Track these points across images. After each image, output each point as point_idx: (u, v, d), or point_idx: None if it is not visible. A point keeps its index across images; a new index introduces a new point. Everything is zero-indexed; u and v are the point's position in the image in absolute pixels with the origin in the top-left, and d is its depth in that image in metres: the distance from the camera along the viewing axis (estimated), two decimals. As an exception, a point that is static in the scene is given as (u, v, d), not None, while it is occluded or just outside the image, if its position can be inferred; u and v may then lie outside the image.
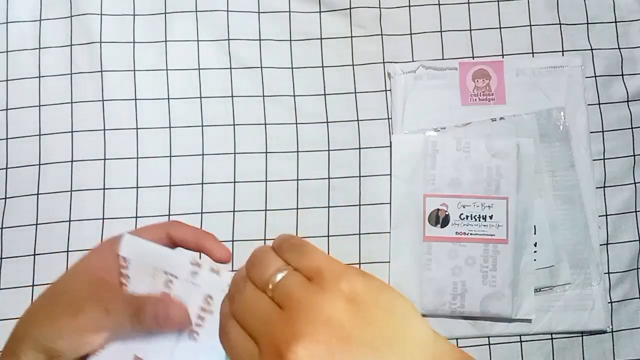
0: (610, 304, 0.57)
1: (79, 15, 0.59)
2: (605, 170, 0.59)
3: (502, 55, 0.60)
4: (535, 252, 0.56)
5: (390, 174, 0.58)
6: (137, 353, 0.33)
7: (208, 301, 0.32)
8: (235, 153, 0.58)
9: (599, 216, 0.58)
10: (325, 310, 0.24)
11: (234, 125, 0.58)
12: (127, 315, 0.33)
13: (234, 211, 0.57)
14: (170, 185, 0.57)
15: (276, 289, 0.26)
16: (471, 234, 0.55)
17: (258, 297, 0.26)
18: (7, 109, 0.58)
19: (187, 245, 0.36)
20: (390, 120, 0.59)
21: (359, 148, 0.58)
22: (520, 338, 0.56)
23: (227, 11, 0.60)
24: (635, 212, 0.59)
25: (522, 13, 0.61)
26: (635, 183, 0.59)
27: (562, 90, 0.59)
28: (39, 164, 0.57)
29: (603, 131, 0.59)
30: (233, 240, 0.56)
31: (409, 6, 0.61)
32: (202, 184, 0.57)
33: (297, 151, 0.58)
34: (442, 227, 0.55)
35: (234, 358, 0.26)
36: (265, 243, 0.56)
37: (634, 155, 0.59)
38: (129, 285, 0.34)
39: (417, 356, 0.25)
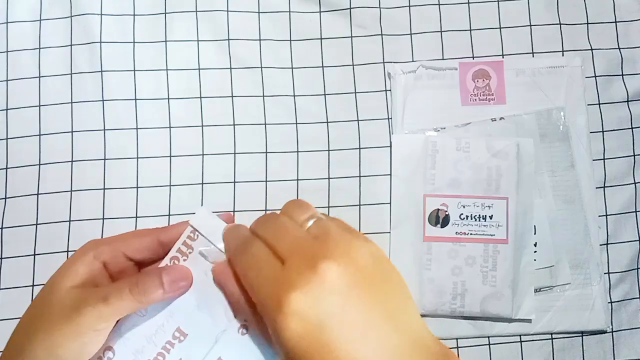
0: (610, 304, 0.57)
1: (79, 15, 0.59)
2: (605, 170, 0.59)
3: (502, 55, 0.60)
4: (535, 252, 0.56)
5: (390, 174, 0.58)
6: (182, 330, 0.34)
7: None
8: (235, 153, 0.58)
9: (599, 216, 0.58)
10: (355, 250, 0.27)
11: (234, 125, 0.58)
12: (127, 292, 0.32)
13: (234, 211, 0.57)
14: (170, 185, 0.57)
15: (316, 223, 0.28)
16: (471, 234, 0.55)
17: (293, 225, 0.28)
18: (7, 109, 0.58)
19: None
20: (390, 120, 0.59)
21: (359, 148, 0.58)
22: (520, 338, 0.56)
23: (227, 11, 0.60)
24: (635, 212, 0.59)
25: (522, 13, 0.61)
26: (635, 183, 0.59)
27: (562, 90, 0.59)
28: (39, 164, 0.57)
29: (603, 131, 0.59)
30: (233, 240, 0.56)
31: (409, 6, 0.61)
32: (202, 184, 0.57)
33: (297, 151, 0.58)
34: (442, 227, 0.55)
35: (254, 271, 0.28)
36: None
37: (634, 155, 0.59)
38: (189, 258, 0.34)
39: (412, 329, 0.27)
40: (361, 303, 0.25)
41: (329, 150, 0.58)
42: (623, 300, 0.58)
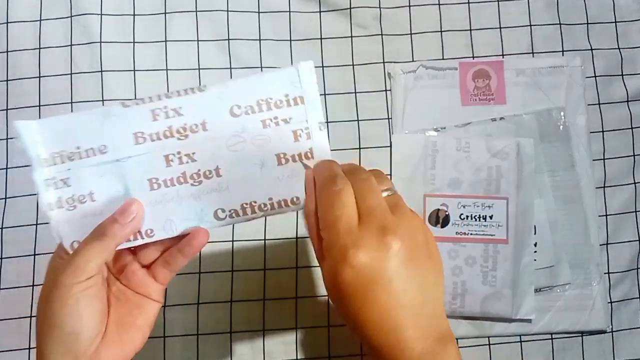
0: (610, 304, 0.57)
1: (78, 15, 0.59)
2: (605, 170, 0.59)
3: (502, 55, 0.60)
4: (535, 252, 0.56)
5: (390, 174, 0.58)
6: None
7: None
8: (235, 153, 0.58)
9: (599, 216, 0.58)
10: (415, 228, 0.32)
11: (234, 125, 0.58)
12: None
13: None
14: (170, 185, 0.57)
15: (392, 196, 0.33)
16: (471, 234, 0.55)
17: (379, 190, 0.33)
18: (7, 109, 0.58)
19: None
20: (390, 120, 0.59)
21: (359, 148, 0.58)
22: (520, 338, 0.56)
23: (227, 11, 0.60)
24: (635, 212, 0.59)
25: (522, 13, 0.61)
26: (635, 183, 0.59)
27: (562, 90, 0.59)
28: (39, 164, 0.57)
29: (603, 131, 0.59)
30: (233, 241, 0.56)
31: (409, 6, 0.61)
32: (202, 184, 0.57)
33: (297, 151, 0.58)
34: (442, 227, 0.55)
35: (335, 213, 0.31)
36: (265, 243, 0.56)
37: (634, 155, 0.59)
38: None
39: (435, 305, 0.32)
40: (406, 273, 0.31)
41: (329, 150, 0.58)
42: (623, 300, 0.58)
